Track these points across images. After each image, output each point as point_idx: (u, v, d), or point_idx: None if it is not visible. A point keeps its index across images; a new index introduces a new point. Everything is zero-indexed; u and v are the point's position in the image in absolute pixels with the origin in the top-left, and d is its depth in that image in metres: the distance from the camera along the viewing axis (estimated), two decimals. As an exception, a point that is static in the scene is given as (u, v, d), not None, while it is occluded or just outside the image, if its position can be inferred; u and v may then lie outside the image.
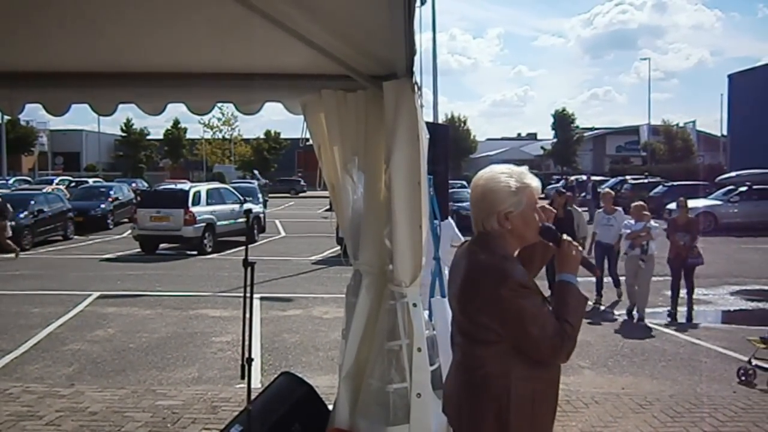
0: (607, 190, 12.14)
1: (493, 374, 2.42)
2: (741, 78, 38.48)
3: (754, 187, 23.77)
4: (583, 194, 30.26)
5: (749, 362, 6.69)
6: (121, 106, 4.43)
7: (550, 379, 2.53)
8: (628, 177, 39.63)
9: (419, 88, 3.43)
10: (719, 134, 52.38)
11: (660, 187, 31.82)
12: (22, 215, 17.92)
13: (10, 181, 34.80)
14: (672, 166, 46.38)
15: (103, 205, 23.87)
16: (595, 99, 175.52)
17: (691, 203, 25.54)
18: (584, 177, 34.91)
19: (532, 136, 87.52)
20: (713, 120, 76.12)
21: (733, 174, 28.78)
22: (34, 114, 47.26)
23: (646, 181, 36.07)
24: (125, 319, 9.39)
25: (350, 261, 4.08)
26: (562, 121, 60.79)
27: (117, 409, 5.63)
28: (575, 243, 2.58)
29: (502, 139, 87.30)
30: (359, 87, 3.74)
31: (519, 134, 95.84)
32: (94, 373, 6.90)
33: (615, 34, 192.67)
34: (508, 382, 2.41)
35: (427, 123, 3.65)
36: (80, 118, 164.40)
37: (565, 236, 2.58)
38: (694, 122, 57.60)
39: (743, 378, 6.61)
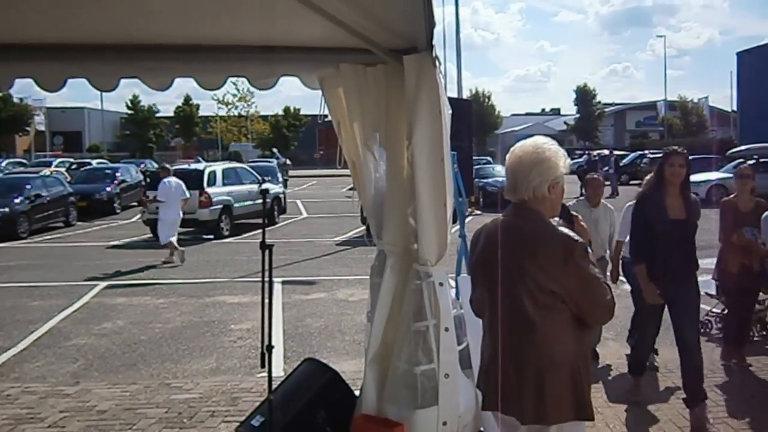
0: (595, 176, 7.32)
1: (559, 343, 2.55)
2: (748, 56, 39.65)
3: (761, 160, 23.76)
4: (606, 168, 30.34)
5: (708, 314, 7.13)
6: (124, 81, 4.18)
7: (591, 341, 2.87)
8: (647, 151, 39.75)
9: (440, 63, 3.32)
10: (730, 110, 53.54)
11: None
12: (17, 200, 17.03)
13: (3, 164, 32.64)
14: (688, 140, 47.26)
15: (108, 188, 22.61)
16: (614, 75, 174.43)
17: (704, 176, 25.92)
18: (606, 151, 34.84)
19: (556, 112, 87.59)
20: (724, 96, 76.06)
21: (742, 148, 29.12)
22: (29, 90, 45.48)
23: (665, 155, 36.04)
24: (136, 310, 8.99)
25: (374, 241, 3.99)
26: (584, 96, 61.55)
27: (128, 406, 5.38)
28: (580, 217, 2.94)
29: (527, 114, 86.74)
30: (379, 61, 3.64)
31: (543, 110, 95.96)
32: (102, 368, 6.57)
33: (631, 12, 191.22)
34: (572, 347, 2.58)
35: (450, 98, 3.56)
36: (81, 95, 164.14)
37: (573, 213, 2.96)
38: (706, 98, 58.42)
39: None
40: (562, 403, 2.55)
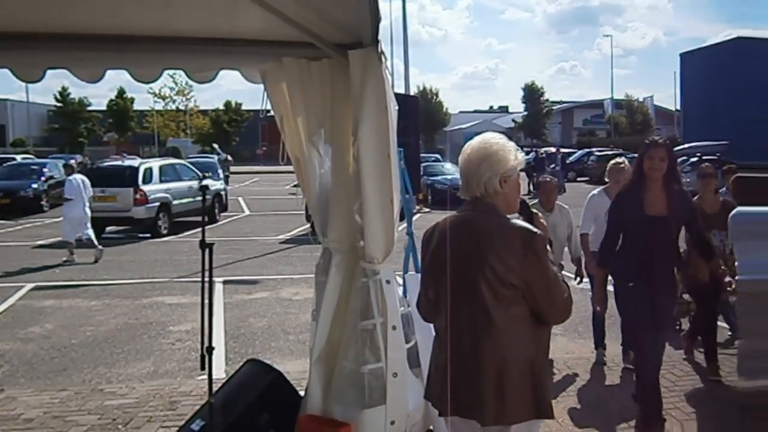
0: (547, 179, 7.03)
1: (518, 340, 2.57)
2: (691, 57, 41.69)
3: (704, 157, 24.92)
4: (553, 166, 31.17)
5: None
6: (51, 72, 4.03)
7: (547, 337, 2.85)
8: (594, 149, 41.05)
9: (386, 58, 3.37)
10: (674, 109, 55.54)
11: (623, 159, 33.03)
12: None
13: None
14: (634, 138, 48.99)
15: (34, 185, 22.01)
16: (562, 73, 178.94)
17: None
18: (554, 149, 35.75)
19: (504, 109, 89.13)
20: (668, 96, 79.35)
21: (686, 146, 30.49)
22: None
23: (610, 152, 37.24)
24: (66, 313, 8.73)
25: (319, 238, 4.02)
26: (532, 94, 62.75)
27: (57, 413, 5.21)
28: (540, 214, 3.01)
29: (475, 111, 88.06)
30: (323, 55, 3.67)
31: (491, 107, 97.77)
32: (28, 375, 6.36)
33: (578, 11, 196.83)
34: (531, 344, 2.61)
35: (397, 94, 3.61)
36: (4, 86, 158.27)
37: (533, 210, 3.03)
38: (652, 97, 60.24)
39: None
40: (522, 401, 2.56)
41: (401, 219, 3.99)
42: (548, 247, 2.72)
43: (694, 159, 25.25)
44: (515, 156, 2.70)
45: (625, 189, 4.87)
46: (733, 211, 4.70)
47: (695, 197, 6.05)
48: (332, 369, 3.78)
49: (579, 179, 35.66)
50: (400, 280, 4.61)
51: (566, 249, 6.59)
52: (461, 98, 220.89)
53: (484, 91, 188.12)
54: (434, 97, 64.38)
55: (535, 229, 2.59)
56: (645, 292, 4.54)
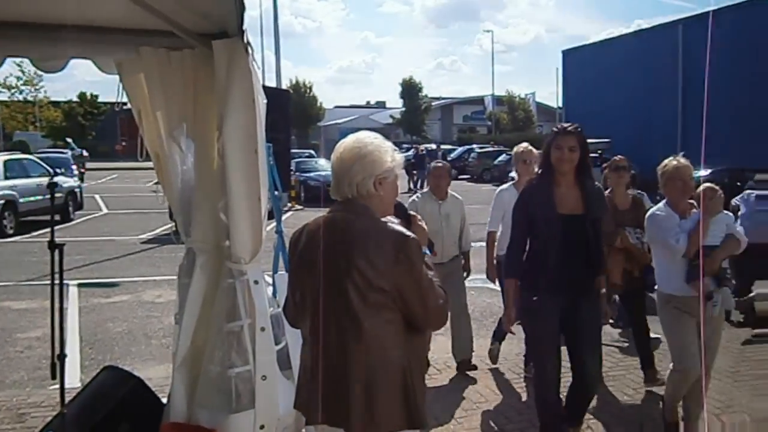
0: (439, 163, 6.84)
1: (389, 348, 2.54)
2: (573, 54, 42.85)
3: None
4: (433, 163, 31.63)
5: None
6: None
7: (425, 343, 2.85)
8: (474, 146, 42.36)
9: (253, 49, 3.38)
10: (555, 106, 56.71)
11: (504, 155, 34.49)
12: None
13: None
14: (515, 135, 50.42)
15: None
16: (441, 69, 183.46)
17: None
18: (434, 146, 36.53)
19: (381, 105, 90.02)
20: (550, 92, 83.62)
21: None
22: None
23: (491, 149, 38.69)
24: None
25: (182, 238, 3.98)
26: (410, 89, 63.36)
27: None
28: (418, 216, 2.92)
29: (351, 106, 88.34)
30: (185, 45, 3.62)
31: (368, 102, 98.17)
32: None
33: (458, 5, 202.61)
34: (403, 352, 2.57)
35: (266, 87, 3.62)
36: None
37: (411, 212, 2.91)
38: (533, 94, 62.54)
39: None
40: (392, 410, 2.55)
41: (270, 217, 4.01)
42: (426, 250, 2.76)
43: None
44: (392, 157, 2.65)
45: (531, 184, 4.44)
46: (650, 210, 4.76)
47: (606, 191, 5.75)
48: (197, 374, 3.75)
49: (460, 177, 36.80)
50: (270, 280, 4.63)
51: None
52: (337, 92, 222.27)
53: (360, 85, 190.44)
54: (308, 91, 64.14)
55: (408, 233, 2.56)
56: (556, 304, 4.19)
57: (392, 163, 2.64)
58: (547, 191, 4.18)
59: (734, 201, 8.94)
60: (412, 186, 30.29)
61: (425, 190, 6.52)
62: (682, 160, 4.64)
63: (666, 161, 4.69)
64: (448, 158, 35.44)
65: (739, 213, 8.39)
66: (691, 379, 4.52)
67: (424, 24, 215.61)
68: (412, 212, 2.91)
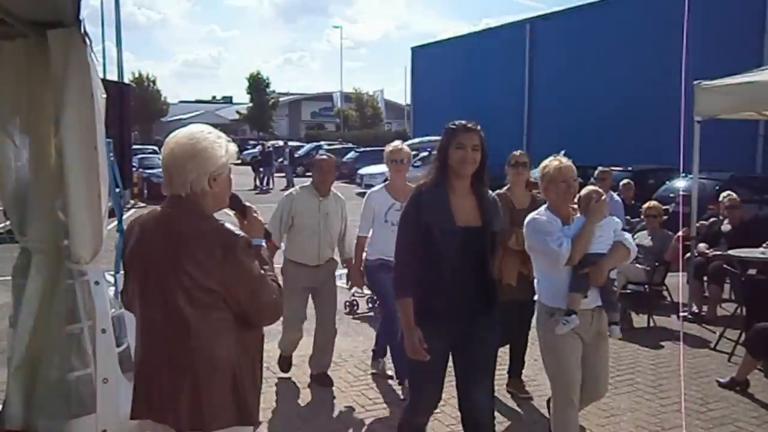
0: (324, 156, 6.23)
1: (218, 346, 2.53)
2: (422, 51, 43.52)
3: (433, 152, 27.11)
4: (281, 160, 31.57)
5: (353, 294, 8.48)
6: None
7: (259, 340, 2.77)
8: (323, 142, 42.62)
9: (91, 40, 3.28)
10: (404, 103, 57.81)
11: (352, 152, 34.95)
12: None
13: None
14: (363, 132, 51.17)
15: None
16: (289, 64, 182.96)
17: (379, 168, 28.82)
18: (281, 142, 36.33)
19: (228, 100, 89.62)
20: (398, 90, 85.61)
21: (415, 140, 32.59)
22: None
23: (339, 146, 39.10)
24: None
25: (16, 237, 3.79)
26: (258, 85, 62.79)
27: None
28: (254, 207, 2.84)
29: (197, 101, 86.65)
30: (17, 34, 3.43)
31: (214, 97, 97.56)
32: None
33: (307, 0, 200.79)
34: (233, 351, 2.56)
35: (108, 81, 3.54)
36: None
37: (246, 203, 2.82)
38: (382, 91, 63.41)
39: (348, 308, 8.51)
40: (221, 407, 2.54)
41: (112, 215, 3.91)
42: (261, 242, 2.75)
43: (425, 153, 27.18)
44: (226, 150, 2.61)
45: (425, 189, 3.72)
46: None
47: (505, 188, 5.57)
48: (34, 378, 3.59)
49: (308, 174, 36.79)
50: (112, 280, 4.50)
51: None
52: (182, 87, 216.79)
53: (206, 80, 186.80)
54: (151, 84, 62.32)
55: (237, 233, 2.53)
56: (447, 330, 3.68)
57: (226, 157, 2.61)
58: (443, 198, 3.62)
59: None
60: (258, 183, 29.96)
61: (306, 184, 5.95)
62: (564, 160, 4.24)
63: (546, 162, 4.28)
64: (296, 155, 35.41)
65: None
66: (576, 409, 4.22)
67: (272, 18, 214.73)
68: (247, 203, 2.88)
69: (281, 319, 5.44)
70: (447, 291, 3.64)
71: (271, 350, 6.74)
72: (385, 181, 6.04)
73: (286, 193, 5.95)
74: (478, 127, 3.70)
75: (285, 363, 6.26)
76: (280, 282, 2.78)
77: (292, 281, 5.72)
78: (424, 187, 3.75)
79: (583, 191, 4.33)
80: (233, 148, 2.67)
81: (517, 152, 5.81)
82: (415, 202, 3.71)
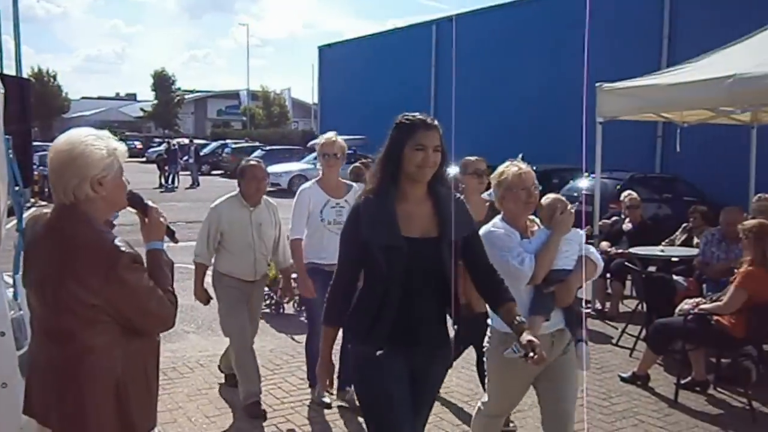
0: (253, 162, 5.60)
1: (102, 357, 2.46)
2: (329, 50, 43.50)
3: (357, 152, 27.18)
4: (186, 158, 31.04)
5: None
6: None
7: (156, 352, 2.71)
8: (229, 141, 42.02)
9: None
10: (311, 102, 57.56)
11: (259, 151, 34.68)
12: None
13: None
14: (270, 130, 50.87)
15: None
16: (195, 61, 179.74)
17: (286, 166, 28.76)
18: (186, 140, 35.61)
19: (132, 97, 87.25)
20: (306, 88, 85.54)
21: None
22: None
23: (246, 145, 38.66)
24: None
25: None
26: (162, 82, 61.45)
27: None
28: (158, 207, 2.74)
29: (99, 98, 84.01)
30: None
31: (117, 94, 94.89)
32: None
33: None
34: (118, 361, 2.50)
35: (5, 75, 3.39)
36: None
37: (149, 202, 2.73)
38: (289, 89, 62.77)
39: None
40: (103, 417, 2.48)
41: (11, 214, 3.75)
42: (160, 245, 2.66)
43: (350, 152, 27.35)
44: (109, 151, 2.48)
45: (363, 201, 3.08)
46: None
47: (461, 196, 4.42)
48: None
49: (213, 172, 36.23)
50: (10, 281, 4.32)
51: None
52: (84, 83, 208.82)
53: (109, 76, 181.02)
54: (52, 80, 59.90)
55: (121, 249, 2.41)
56: (403, 363, 3.09)
57: (110, 157, 2.48)
58: (388, 205, 3.01)
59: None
60: (163, 182, 29.24)
61: (232, 194, 5.38)
62: (524, 166, 3.77)
63: (502, 168, 3.81)
64: (202, 153, 34.77)
65: None
66: (501, 422, 4.15)
67: (176, 14, 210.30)
68: (149, 202, 2.76)
69: (229, 338, 5.45)
70: (396, 316, 3.00)
71: (177, 350, 6.69)
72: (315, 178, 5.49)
73: (211, 206, 5.37)
74: (437, 122, 3.06)
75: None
76: (174, 287, 2.67)
77: (229, 294, 5.33)
78: (364, 196, 3.10)
79: (545, 199, 3.85)
80: (120, 146, 2.56)
81: (473, 158, 5.07)
82: (353, 217, 3.10)
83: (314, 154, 30.93)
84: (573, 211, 3.78)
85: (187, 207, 19.22)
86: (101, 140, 2.49)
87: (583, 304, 6.37)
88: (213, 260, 5.44)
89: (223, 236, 5.30)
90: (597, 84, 8.26)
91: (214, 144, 41.91)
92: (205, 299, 5.47)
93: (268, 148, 35.65)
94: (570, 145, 11.98)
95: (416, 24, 36.26)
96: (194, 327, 7.62)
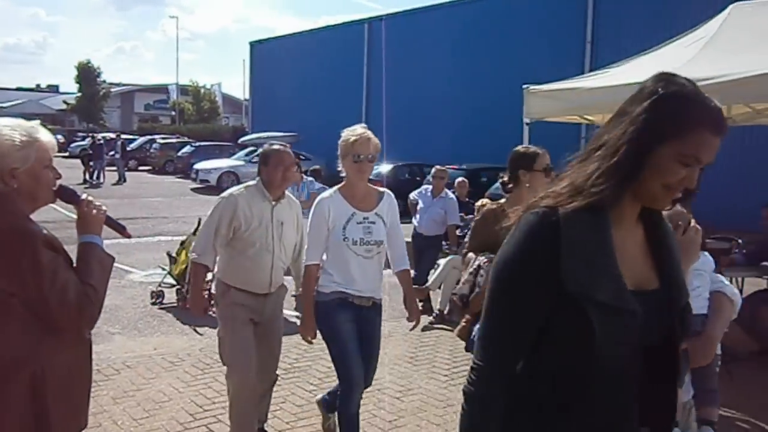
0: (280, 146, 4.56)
1: (20, 355, 2.36)
2: (260, 46, 43.17)
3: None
4: (112, 153, 30.29)
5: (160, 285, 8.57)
6: None
7: (84, 351, 2.60)
8: (157, 136, 41.18)
9: None
10: (242, 98, 56.96)
11: (188, 147, 34.34)
12: None
13: None
14: (200, 126, 50.11)
15: None
16: (121, 53, 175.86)
17: (216, 163, 28.41)
18: (113, 135, 34.67)
19: (54, 89, 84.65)
20: (237, 83, 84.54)
21: (253, 135, 32.46)
22: None
23: (174, 140, 38.05)
24: None
25: None
26: (87, 74, 59.60)
27: None
28: (96, 201, 2.64)
29: (18, 89, 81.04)
30: None
31: (38, 85, 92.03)
32: None
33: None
34: (39, 361, 2.39)
35: None
36: None
37: (84, 195, 2.63)
38: (219, 84, 61.89)
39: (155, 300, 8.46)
40: (16, 417, 2.37)
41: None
42: (96, 240, 2.57)
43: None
44: (22, 141, 2.38)
45: (569, 218, 1.68)
46: None
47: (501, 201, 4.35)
48: None
49: (141, 168, 35.41)
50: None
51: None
52: (1, 73, 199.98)
53: (29, 66, 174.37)
54: (-35, 69, 57.45)
55: (36, 230, 2.33)
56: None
57: (25, 148, 2.37)
58: (606, 240, 1.70)
59: (412, 195, 9.85)
60: (87, 177, 28.40)
61: (252, 182, 4.40)
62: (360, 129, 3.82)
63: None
64: (128, 148, 33.94)
65: (418, 207, 9.32)
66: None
67: (102, 4, 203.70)
68: (84, 195, 2.59)
69: (226, 368, 4.38)
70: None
71: (102, 352, 6.53)
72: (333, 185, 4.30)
73: (225, 194, 4.32)
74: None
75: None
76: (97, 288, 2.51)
77: (233, 309, 4.28)
78: (562, 213, 1.70)
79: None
80: (44, 137, 2.45)
81: (537, 148, 4.09)
82: (540, 238, 1.69)
83: (246, 151, 31.25)
84: (699, 228, 2.59)
85: (114, 204, 18.70)
86: (16, 130, 2.38)
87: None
88: (216, 265, 4.49)
89: (236, 233, 4.24)
90: (524, 86, 8.44)
91: (141, 139, 40.91)
92: (203, 309, 4.65)
93: (197, 144, 35.07)
94: (500, 145, 12.15)
95: (348, 22, 36.27)
96: (119, 328, 7.46)
